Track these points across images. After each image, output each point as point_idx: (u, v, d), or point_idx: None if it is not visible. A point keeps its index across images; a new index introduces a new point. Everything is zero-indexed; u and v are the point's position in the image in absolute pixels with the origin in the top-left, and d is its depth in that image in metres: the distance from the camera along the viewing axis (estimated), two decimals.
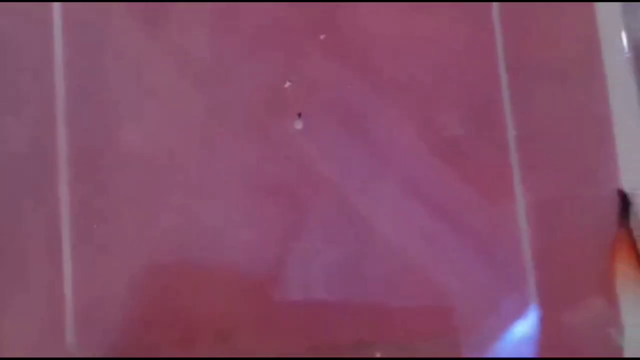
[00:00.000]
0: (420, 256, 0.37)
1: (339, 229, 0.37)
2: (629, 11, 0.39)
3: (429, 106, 0.38)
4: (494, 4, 0.39)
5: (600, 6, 0.39)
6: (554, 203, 0.38)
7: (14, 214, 0.37)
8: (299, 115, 0.38)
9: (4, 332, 0.36)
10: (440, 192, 0.38)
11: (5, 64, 0.38)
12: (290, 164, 0.38)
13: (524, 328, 0.37)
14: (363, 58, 0.39)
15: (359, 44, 0.39)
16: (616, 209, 0.37)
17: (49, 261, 0.37)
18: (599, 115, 0.38)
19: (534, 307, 0.37)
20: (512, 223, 0.38)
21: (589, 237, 0.38)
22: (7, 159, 0.37)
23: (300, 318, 0.37)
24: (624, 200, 0.37)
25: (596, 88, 0.39)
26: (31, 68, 0.38)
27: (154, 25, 0.39)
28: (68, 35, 0.38)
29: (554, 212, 0.38)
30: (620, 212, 0.37)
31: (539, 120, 0.39)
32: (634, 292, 0.36)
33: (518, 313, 0.38)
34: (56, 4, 0.38)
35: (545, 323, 0.37)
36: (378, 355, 0.37)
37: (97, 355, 0.36)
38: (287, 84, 0.38)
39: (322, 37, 0.39)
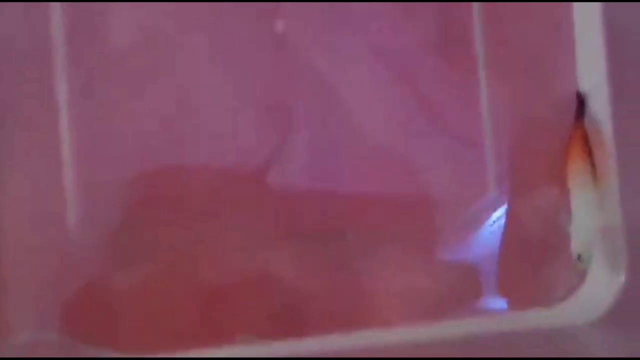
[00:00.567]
0: (393, 143, 0.40)
1: (319, 117, 0.40)
2: None
3: None
4: None
5: None
6: (517, 102, 0.41)
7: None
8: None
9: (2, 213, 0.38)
10: (420, 83, 0.41)
11: None
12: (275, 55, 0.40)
13: (483, 213, 0.41)
14: None
15: None
16: (573, 109, 0.41)
17: (48, 144, 0.39)
18: (562, 22, 0.41)
19: (493, 193, 0.41)
20: (477, 117, 0.41)
21: (547, 133, 0.41)
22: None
23: (280, 203, 0.40)
24: (581, 101, 0.41)
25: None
26: None
27: None
28: None
29: (517, 110, 0.41)
30: (576, 111, 0.40)
31: (507, 29, 0.41)
32: (583, 184, 0.40)
33: (477, 199, 0.41)
34: None
35: (500, 206, 0.41)
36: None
37: (97, 235, 0.38)
38: None
39: None
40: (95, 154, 0.39)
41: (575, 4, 0.41)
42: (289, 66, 0.40)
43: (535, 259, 0.41)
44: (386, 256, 0.40)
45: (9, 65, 0.39)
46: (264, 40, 0.40)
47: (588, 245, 0.39)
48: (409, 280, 0.40)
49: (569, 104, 0.41)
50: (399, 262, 0.40)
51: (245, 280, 0.39)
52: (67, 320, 0.38)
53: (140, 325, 0.38)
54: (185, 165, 0.39)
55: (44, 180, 0.38)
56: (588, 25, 0.41)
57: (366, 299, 0.40)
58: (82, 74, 0.39)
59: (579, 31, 0.41)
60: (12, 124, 0.38)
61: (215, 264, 0.39)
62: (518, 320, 0.40)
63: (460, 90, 0.41)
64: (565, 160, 0.40)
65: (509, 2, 0.41)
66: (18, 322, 0.38)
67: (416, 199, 0.41)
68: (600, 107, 0.40)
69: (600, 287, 0.39)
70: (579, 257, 0.39)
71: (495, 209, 0.41)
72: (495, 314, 0.40)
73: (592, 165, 0.40)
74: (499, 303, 0.41)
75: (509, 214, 0.41)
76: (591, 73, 0.41)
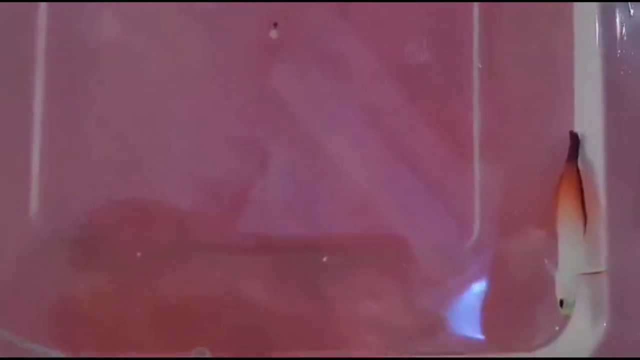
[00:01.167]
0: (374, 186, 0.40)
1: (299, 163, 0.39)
2: None
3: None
4: None
5: None
6: (509, 138, 0.40)
7: None
8: (275, 25, 0.39)
9: None
10: (402, 127, 0.40)
11: None
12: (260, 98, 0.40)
13: (468, 254, 0.40)
14: None
15: None
16: (566, 149, 0.39)
17: (17, 133, 0.38)
18: (562, 58, 0.40)
19: (477, 235, 0.39)
20: (466, 157, 0.40)
21: (538, 173, 0.40)
22: None
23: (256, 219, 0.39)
24: (575, 141, 0.39)
25: (562, 33, 0.40)
26: None
27: None
28: None
29: (507, 147, 0.40)
30: (570, 150, 0.39)
31: (503, 58, 0.40)
32: (573, 230, 0.38)
33: (462, 240, 0.40)
34: None
35: (486, 250, 0.39)
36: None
37: (60, 231, 0.38)
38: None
39: None
40: (66, 154, 0.38)
41: (576, 52, 0.40)
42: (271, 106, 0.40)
43: (518, 303, 0.40)
44: (361, 283, 0.38)
45: None
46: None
47: (572, 291, 0.37)
48: (381, 311, 0.39)
49: (563, 149, 0.39)
50: (373, 290, 0.39)
51: (211, 295, 0.38)
52: (17, 314, 0.36)
53: (95, 329, 0.37)
54: (158, 174, 0.39)
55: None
56: (587, 73, 0.40)
57: (334, 326, 0.38)
58: (59, 72, 0.39)
59: (578, 78, 0.40)
60: None
61: (180, 275, 0.38)
62: None
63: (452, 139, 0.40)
64: (555, 201, 0.39)
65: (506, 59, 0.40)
66: None
67: (398, 232, 0.39)
68: (594, 152, 0.39)
69: (582, 334, 0.38)
70: (562, 302, 0.37)
71: (481, 251, 0.40)
72: (474, 356, 0.39)
73: (583, 209, 0.38)
74: (479, 345, 0.39)
75: (494, 256, 0.40)
76: (587, 118, 0.39)
